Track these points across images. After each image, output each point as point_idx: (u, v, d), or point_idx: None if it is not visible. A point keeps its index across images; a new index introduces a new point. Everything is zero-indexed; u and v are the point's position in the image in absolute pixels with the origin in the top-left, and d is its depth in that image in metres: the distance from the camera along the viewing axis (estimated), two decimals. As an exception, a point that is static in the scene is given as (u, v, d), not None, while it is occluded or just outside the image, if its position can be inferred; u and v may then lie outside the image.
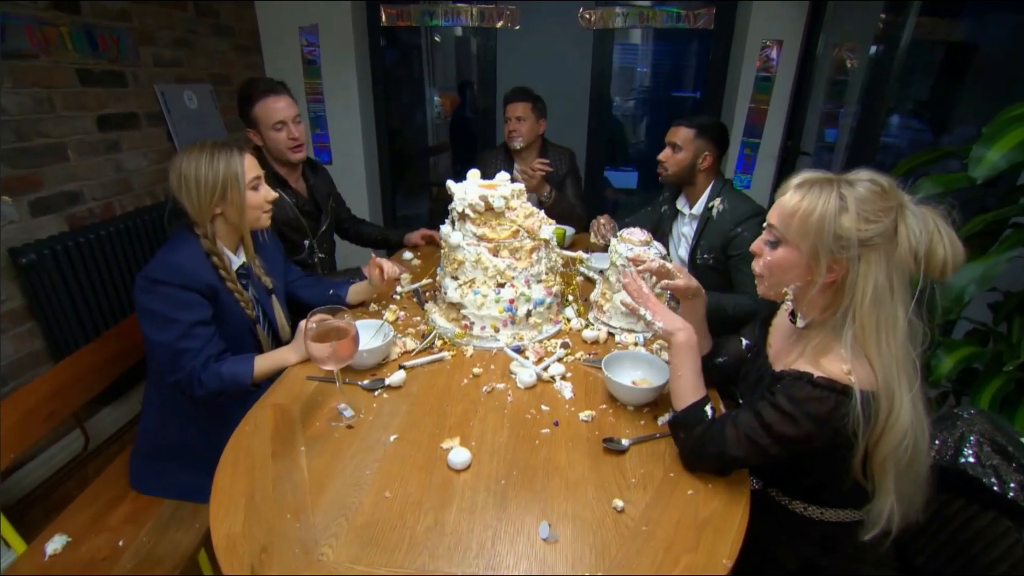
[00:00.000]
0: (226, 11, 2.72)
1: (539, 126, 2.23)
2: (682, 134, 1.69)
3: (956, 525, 1.02)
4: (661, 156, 1.75)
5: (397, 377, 1.14)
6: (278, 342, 1.41)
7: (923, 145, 2.99)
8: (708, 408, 0.93)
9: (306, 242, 1.83)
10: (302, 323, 1.21)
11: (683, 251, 1.82)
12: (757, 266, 0.93)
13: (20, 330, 1.76)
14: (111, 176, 2.09)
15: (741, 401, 1.09)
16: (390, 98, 3.49)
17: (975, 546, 0.98)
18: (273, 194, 1.29)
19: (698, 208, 1.73)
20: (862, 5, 2.77)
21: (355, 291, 1.52)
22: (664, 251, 1.38)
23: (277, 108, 1.70)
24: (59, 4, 1.86)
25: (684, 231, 1.82)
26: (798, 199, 0.82)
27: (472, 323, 1.30)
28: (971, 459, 1.00)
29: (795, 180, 0.86)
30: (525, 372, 1.16)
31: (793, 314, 0.95)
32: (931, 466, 0.83)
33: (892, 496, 0.80)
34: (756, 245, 0.92)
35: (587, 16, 3.13)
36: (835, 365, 0.81)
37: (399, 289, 1.59)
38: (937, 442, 0.99)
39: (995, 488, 0.96)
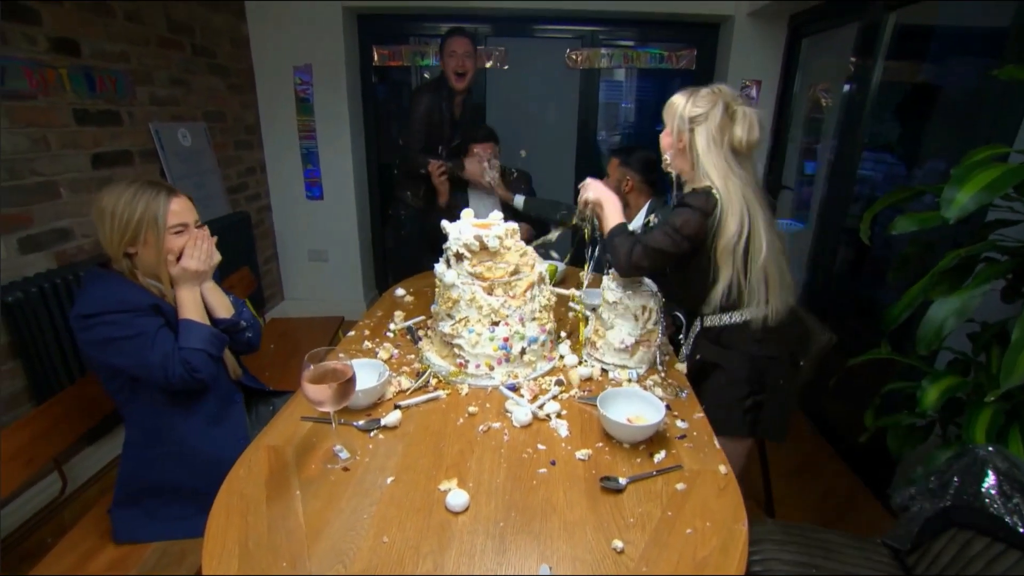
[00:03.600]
0: (223, 52, 2.78)
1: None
2: (611, 164, 2.10)
3: (980, 565, 1.01)
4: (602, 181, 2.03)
5: (393, 417, 1.14)
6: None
7: (897, 178, 3.12)
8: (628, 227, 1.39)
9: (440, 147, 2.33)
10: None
11: None
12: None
13: (2, 369, 1.72)
14: (102, 213, 2.09)
15: None
16: (381, 134, 3.56)
17: (1000, 585, 0.98)
18: (180, 243, 1.21)
19: (635, 224, 1.95)
20: (834, 48, 2.92)
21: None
22: (655, 287, 1.41)
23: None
24: (59, 47, 1.90)
25: None
26: (674, 98, 1.32)
27: (467, 361, 1.31)
28: (993, 496, 1.00)
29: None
30: (520, 411, 1.17)
31: None
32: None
33: (726, 281, 1.27)
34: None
35: (574, 57, 3.25)
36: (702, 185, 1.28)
37: (392, 326, 1.59)
38: (956, 479, 1.01)
39: (1020, 528, 0.95)
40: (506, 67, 3.26)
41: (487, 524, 0.89)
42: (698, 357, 1.44)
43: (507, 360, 1.32)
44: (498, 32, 3.27)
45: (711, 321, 1.41)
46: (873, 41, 2.26)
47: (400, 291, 1.92)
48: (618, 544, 0.85)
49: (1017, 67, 1.17)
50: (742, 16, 3.00)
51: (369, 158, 3.51)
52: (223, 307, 1.34)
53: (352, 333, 1.59)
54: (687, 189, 1.34)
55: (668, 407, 1.16)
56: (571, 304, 1.53)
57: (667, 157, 1.37)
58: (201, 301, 1.27)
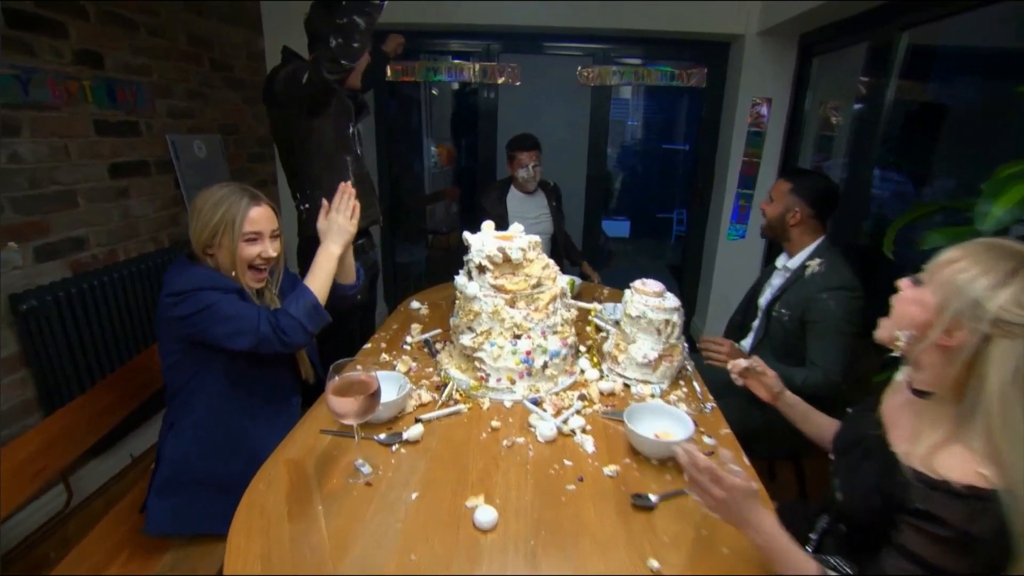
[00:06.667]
0: (240, 66, 2.81)
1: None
2: (778, 187, 1.71)
3: None
4: (762, 204, 1.78)
5: (415, 431, 1.11)
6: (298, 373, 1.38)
7: (905, 196, 3.13)
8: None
9: (350, 126, 1.89)
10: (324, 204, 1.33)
11: (763, 300, 1.77)
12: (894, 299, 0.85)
13: (12, 378, 1.70)
14: (117, 222, 2.09)
15: (833, 468, 0.99)
16: (391, 148, 3.59)
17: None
18: (271, 253, 1.25)
19: (794, 262, 1.68)
20: (843, 67, 2.95)
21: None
22: (677, 302, 1.40)
23: None
24: (84, 59, 1.92)
25: (774, 282, 1.76)
26: (963, 252, 0.76)
27: (488, 375, 1.29)
28: None
29: (988, 239, 0.78)
30: (545, 425, 1.14)
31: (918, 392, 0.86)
32: None
33: None
34: (904, 280, 0.85)
35: (585, 74, 3.28)
36: (966, 464, 0.71)
37: (409, 339, 1.57)
38: None
39: None
40: (518, 83, 3.29)
41: (517, 542, 0.86)
42: None
43: (529, 374, 1.30)
44: (510, 48, 3.31)
45: None
46: (885, 60, 2.28)
47: (415, 304, 1.90)
48: (654, 564, 0.82)
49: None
50: (752, 34, 3.03)
51: (380, 172, 3.52)
52: (350, 274, 1.43)
53: (368, 346, 1.57)
54: (936, 430, 0.77)
55: (695, 423, 1.13)
56: (590, 318, 1.52)
57: (901, 340, 0.82)
58: (334, 268, 1.30)
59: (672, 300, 1.39)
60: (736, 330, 1.94)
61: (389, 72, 3.32)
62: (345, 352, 1.79)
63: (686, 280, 3.79)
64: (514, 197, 2.68)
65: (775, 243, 1.83)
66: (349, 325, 1.89)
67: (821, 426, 1.17)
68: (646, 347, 1.38)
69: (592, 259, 3.63)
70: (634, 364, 1.39)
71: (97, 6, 1.97)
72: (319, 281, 1.26)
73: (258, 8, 2.98)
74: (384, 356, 1.49)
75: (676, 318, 1.39)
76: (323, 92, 1.65)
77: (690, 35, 3.16)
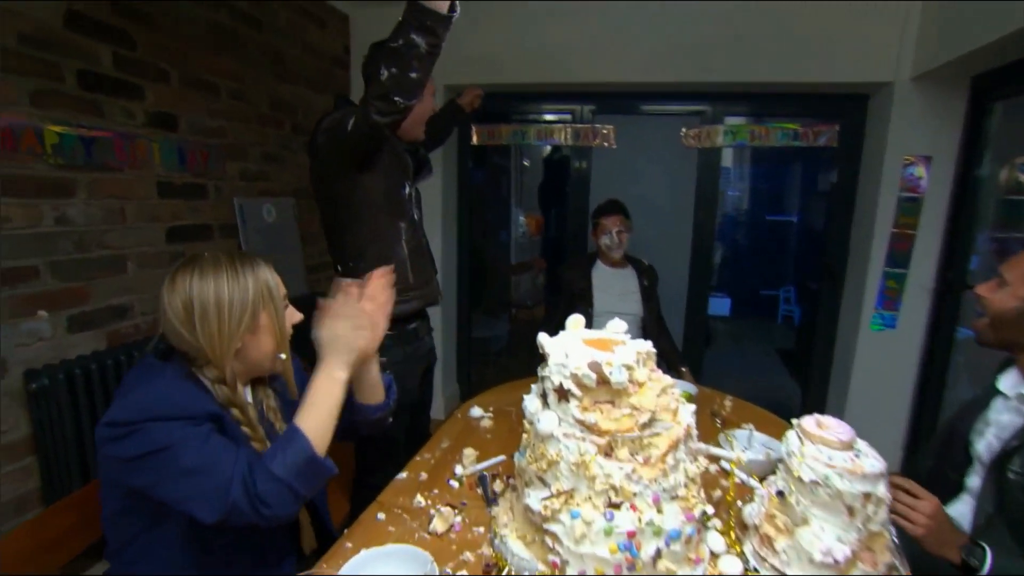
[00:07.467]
0: (321, 130, 2.74)
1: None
2: (1021, 264, 1.05)
3: None
4: (980, 290, 1.11)
5: None
6: None
7: None
8: None
9: (407, 185, 1.55)
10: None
11: (983, 446, 1.12)
12: None
13: (15, 467, 1.48)
14: (169, 289, 1.93)
15: None
16: (474, 216, 3.35)
17: None
18: (298, 315, 0.99)
19: None
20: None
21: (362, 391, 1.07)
22: (883, 466, 0.85)
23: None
24: (158, 122, 1.85)
25: (1001, 418, 1.11)
26: None
27: (565, 562, 0.81)
28: None
29: None
30: None
31: None
32: None
33: None
34: None
35: (691, 135, 2.88)
36: None
37: (459, 471, 1.14)
38: None
39: None
40: (614, 147, 2.95)
41: None
42: None
43: (631, 567, 0.80)
44: (605, 110, 3.01)
45: None
46: None
47: (476, 411, 1.46)
48: None
49: None
50: (904, 81, 2.49)
51: (461, 240, 3.28)
52: (375, 392, 1.06)
53: (404, 475, 1.15)
54: None
55: None
56: (724, 465, 1.00)
57: None
58: (340, 397, 0.90)
59: (873, 460, 0.85)
60: (928, 484, 1.26)
61: (475, 137, 3.14)
62: (384, 461, 1.41)
63: (812, 376, 3.07)
64: (600, 270, 2.30)
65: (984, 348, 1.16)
66: (394, 430, 1.48)
67: None
68: (828, 535, 0.83)
69: (694, 343, 3.06)
70: (806, 559, 0.84)
71: (181, 70, 1.92)
72: (317, 417, 0.85)
73: (347, 76, 2.95)
74: (419, 499, 1.05)
75: (881, 490, 0.84)
76: (371, 140, 1.35)
77: (820, 87, 2.68)
